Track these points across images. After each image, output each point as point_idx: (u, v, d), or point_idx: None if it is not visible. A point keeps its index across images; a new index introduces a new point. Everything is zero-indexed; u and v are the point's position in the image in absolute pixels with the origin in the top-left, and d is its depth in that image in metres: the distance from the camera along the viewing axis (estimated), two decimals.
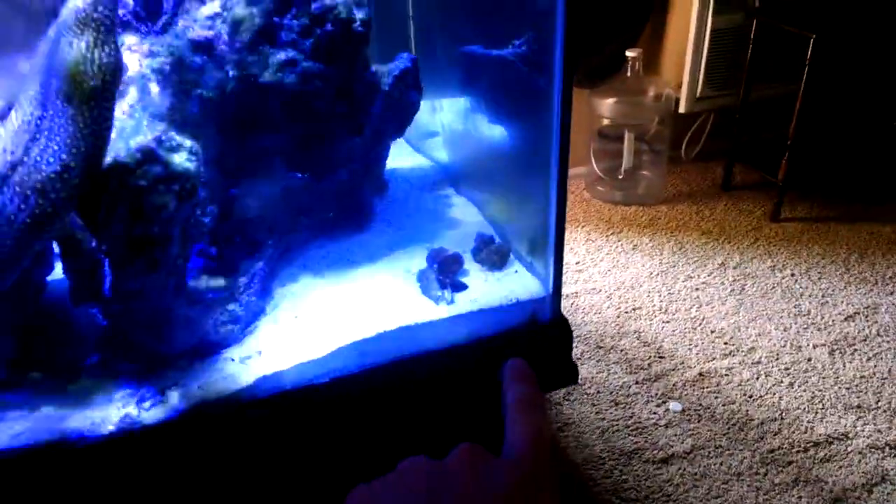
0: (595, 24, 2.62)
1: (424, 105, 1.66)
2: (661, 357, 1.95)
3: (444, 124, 1.84)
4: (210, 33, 1.19)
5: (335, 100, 1.31)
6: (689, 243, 2.51)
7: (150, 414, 1.17)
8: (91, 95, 0.95)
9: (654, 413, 1.76)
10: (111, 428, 1.14)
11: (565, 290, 2.19)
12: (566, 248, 2.39)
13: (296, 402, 1.22)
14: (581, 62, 2.66)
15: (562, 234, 1.32)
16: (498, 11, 1.61)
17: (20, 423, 1.14)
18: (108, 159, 1.01)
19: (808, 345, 2.00)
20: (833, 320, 2.09)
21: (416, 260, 1.46)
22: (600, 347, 1.99)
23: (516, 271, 1.43)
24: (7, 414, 1.16)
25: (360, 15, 1.26)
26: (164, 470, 1.18)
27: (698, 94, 2.76)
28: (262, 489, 1.26)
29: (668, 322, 2.09)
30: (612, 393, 1.83)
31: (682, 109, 2.80)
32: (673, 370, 1.91)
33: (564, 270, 2.25)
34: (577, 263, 2.40)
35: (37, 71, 0.97)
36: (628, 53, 2.63)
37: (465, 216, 1.64)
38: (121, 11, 1.17)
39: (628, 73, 2.66)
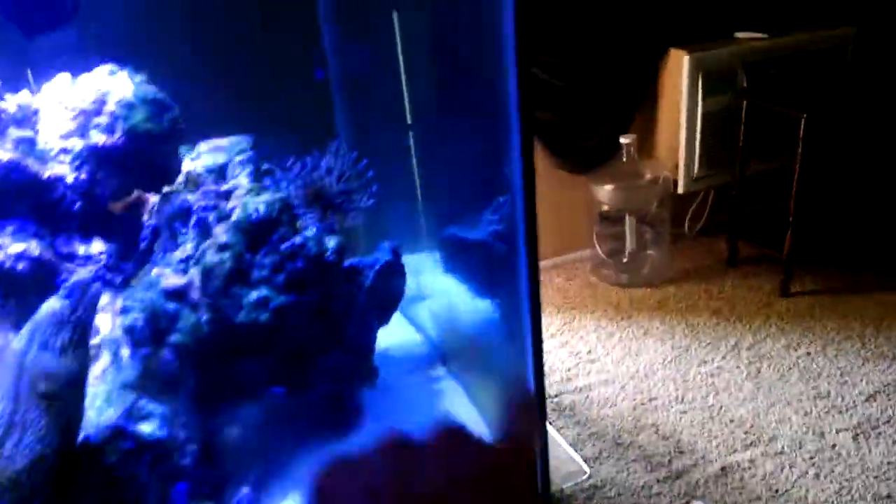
0: (586, 111, 2.66)
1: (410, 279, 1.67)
2: (680, 452, 1.87)
3: (431, 301, 1.85)
4: (183, 280, 1.21)
5: (311, 322, 1.33)
6: (700, 325, 2.44)
7: None
8: (62, 394, 0.98)
9: None
10: None
11: (578, 382, 2.13)
12: (577, 336, 2.35)
13: None
14: (575, 147, 2.69)
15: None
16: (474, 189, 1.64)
17: None
18: (80, 437, 1.02)
19: (830, 430, 1.92)
20: (854, 401, 2.02)
21: None
22: (618, 444, 1.91)
23: None
24: None
25: (331, 243, 1.29)
26: None
27: (695, 175, 2.73)
28: None
29: (685, 412, 2.01)
30: (633, 494, 1.73)
31: (680, 190, 2.78)
32: (694, 466, 1.83)
33: (577, 362, 2.21)
34: (588, 353, 2.31)
35: (7, 365, 0.99)
36: (622, 140, 2.64)
37: (453, 406, 1.62)
38: (92, 267, 1.20)
39: (623, 159, 2.66)
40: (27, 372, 0.98)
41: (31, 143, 1.24)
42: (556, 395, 2.08)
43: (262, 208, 1.25)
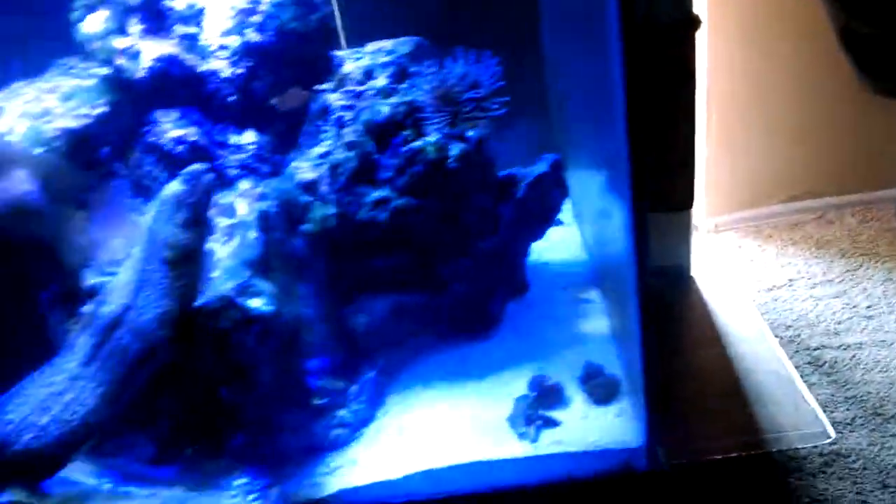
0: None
1: None
2: None
3: (586, 223, 1.76)
4: (315, 174, 1.30)
5: (439, 227, 1.35)
6: None
7: None
8: (181, 262, 1.15)
9: None
10: None
11: (847, 338, 1.85)
12: (858, 287, 2.01)
13: None
14: None
15: (654, 379, 1.20)
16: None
17: (156, 499, 1.37)
18: (198, 303, 1.18)
19: None
20: None
21: (522, 382, 1.43)
22: (878, 415, 1.62)
23: (619, 412, 1.33)
24: (151, 487, 1.39)
25: (455, 151, 1.28)
26: None
27: None
28: None
29: None
30: (881, 472, 1.49)
31: None
32: None
33: (851, 315, 1.91)
34: (868, 308, 1.96)
35: (142, 233, 1.18)
36: None
37: (595, 329, 1.56)
38: (242, 156, 1.34)
39: None
40: (154, 241, 1.16)
41: (193, 39, 1.39)
42: (816, 348, 1.81)
43: (385, 110, 1.28)
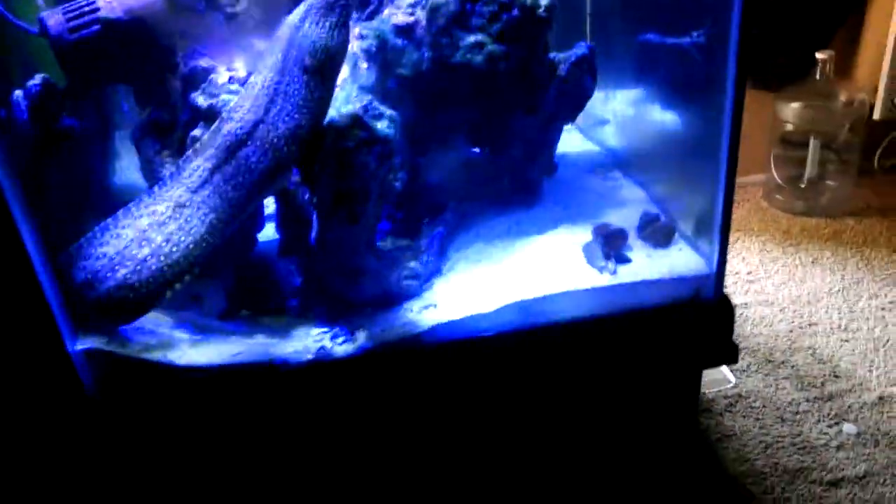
0: (784, 23, 2.54)
1: (597, 93, 1.74)
2: (836, 377, 1.86)
3: (616, 111, 1.91)
4: (411, 19, 1.35)
5: (515, 80, 1.43)
6: (876, 260, 2.35)
7: (342, 349, 1.34)
8: (324, 67, 1.14)
9: (825, 434, 1.69)
10: (309, 357, 1.33)
11: (735, 300, 2.14)
12: (738, 258, 2.34)
13: (465, 351, 1.35)
14: (766, 63, 2.58)
15: (729, 215, 1.36)
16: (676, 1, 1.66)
17: (238, 346, 1.36)
18: (325, 121, 1.19)
19: None
20: None
21: (582, 234, 1.54)
22: (769, 361, 1.93)
23: (680, 249, 1.47)
24: (229, 337, 1.38)
25: (544, 2, 1.37)
26: (348, 397, 1.36)
27: None
28: (429, 421, 1.40)
29: (847, 341, 1.98)
30: (778, 409, 1.77)
31: (876, 116, 2.62)
32: (849, 391, 1.81)
33: (735, 280, 2.22)
34: (748, 273, 2.31)
35: (279, 42, 1.17)
36: (818, 55, 2.50)
37: (631, 197, 1.70)
38: None
39: (817, 77, 2.54)
40: (296, 46, 1.15)
41: None
42: None
43: None
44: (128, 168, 1.77)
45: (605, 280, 1.40)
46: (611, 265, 1.41)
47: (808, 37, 2.59)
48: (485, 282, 1.44)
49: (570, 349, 1.39)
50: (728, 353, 1.46)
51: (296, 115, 1.16)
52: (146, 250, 1.20)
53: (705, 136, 1.47)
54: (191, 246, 1.21)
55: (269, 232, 1.56)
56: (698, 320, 1.42)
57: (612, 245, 1.47)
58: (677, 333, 1.44)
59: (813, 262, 2.36)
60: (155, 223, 1.21)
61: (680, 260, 1.45)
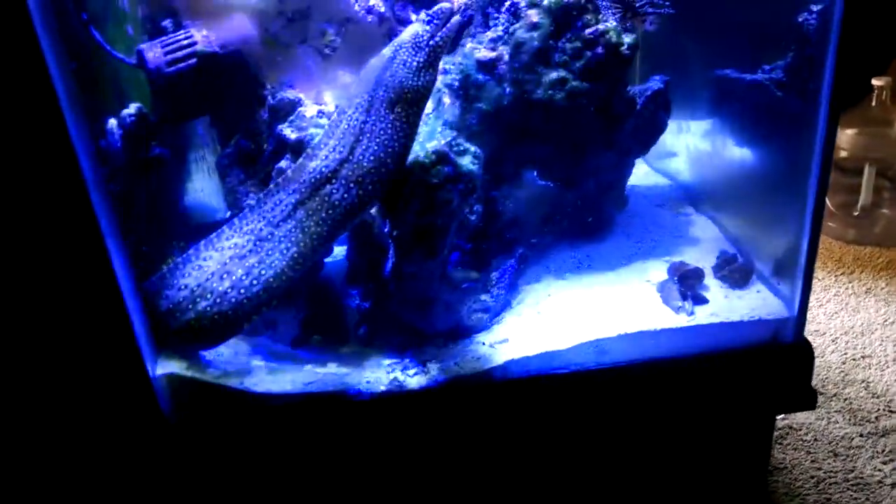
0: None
1: (670, 124, 1.73)
2: (891, 411, 1.80)
3: (689, 145, 1.89)
4: (493, 54, 1.35)
5: (595, 116, 1.43)
6: None
7: (414, 381, 1.34)
8: (410, 107, 1.15)
9: (880, 470, 1.63)
10: (382, 388, 1.33)
11: None
12: None
13: (538, 387, 1.34)
14: None
15: (813, 258, 1.33)
16: (752, 36, 1.64)
17: (311, 375, 1.37)
18: (410, 158, 1.20)
19: None
20: None
21: (655, 271, 1.53)
22: (821, 393, 1.87)
23: (758, 291, 1.44)
24: (302, 366, 1.39)
25: (627, 40, 1.37)
26: (420, 428, 1.35)
27: None
28: (499, 456, 1.39)
29: None
30: (831, 443, 1.72)
31: None
32: None
33: None
34: None
35: (366, 80, 1.18)
36: (875, 82, 2.46)
37: (705, 234, 1.68)
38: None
39: (873, 103, 2.49)
40: (384, 85, 1.16)
41: None
42: None
43: None
44: (200, 191, 1.81)
45: (681, 321, 1.38)
46: (688, 306, 1.39)
47: (865, 63, 2.54)
48: (557, 318, 1.43)
49: (644, 390, 1.37)
50: (806, 398, 1.42)
51: (381, 154, 1.17)
52: (227, 283, 1.23)
53: (787, 174, 1.45)
54: (271, 279, 1.23)
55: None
56: (776, 364, 1.39)
57: (688, 285, 1.45)
58: (754, 377, 1.40)
59: (867, 292, 2.29)
60: (236, 256, 1.23)
61: (758, 302, 1.42)
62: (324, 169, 1.19)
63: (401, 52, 1.16)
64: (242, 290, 1.23)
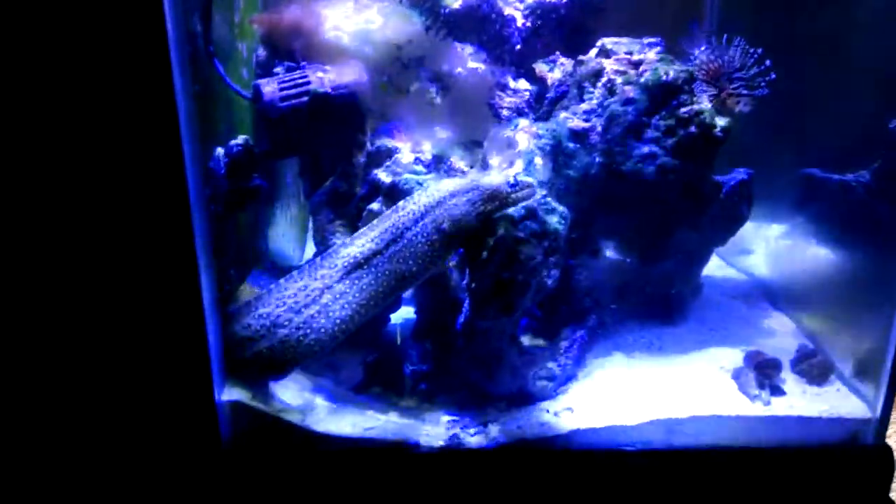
0: None
1: (749, 223, 1.72)
2: None
3: (770, 240, 1.87)
4: (586, 125, 1.39)
5: (682, 195, 1.43)
6: None
7: (474, 440, 1.32)
8: (451, 240, 1.24)
9: None
10: (441, 443, 1.31)
11: None
12: None
13: (603, 462, 1.30)
14: None
15: None
16: (841, 139, 1.64)
17: (371, 421, 1.36)
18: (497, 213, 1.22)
19: None
20: None
21: (729, 359, 1.49)
22: None
23: (838, 389, 1.39)
24: (364, 411, 1.38)
25: (721, 122, 1.39)
26: (474, 488, 1.32)
27: None
28: None
29: None
30: None
31: None
32: None
33: None
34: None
35: (431, 198, 1.26)
36: None
37: (782, 328, 1.64)
38: (517, 100, 1.42)
39: None
40: (440, 210, 1.23)
41: None
42: None
43: (671, 73, 1.38)
44: (282, 235, 1.86)
45: (756, 410, 1.33)
46: (765, 395, 1.35)
47: None
48: (625, 394, 1.40)
49: (713, 477, 1.31)
50: None
51: (410, 262, 1.24)
52: (302, 317, 1.26)
53: (873, 277, 1.42)
54: (334, 323, 1.27)
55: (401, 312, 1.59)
56: (853, 467, 1.32)
57: (765, 374, 1.40)
58: (829, 478, 1.33)
59: None
60: (307, 298, 1.27)
61: (837, 400, 1.37)
62: (356, 255, 1.27)
63: (475, 192, 1.23)
64: (311, 330, 1.27)
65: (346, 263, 1.28)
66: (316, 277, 1.29)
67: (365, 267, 1.27)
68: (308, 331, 1.27)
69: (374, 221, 1.30)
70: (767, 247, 1.88)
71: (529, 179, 1.27)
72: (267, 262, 1.67)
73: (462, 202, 1.24)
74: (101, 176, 1.08)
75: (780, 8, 1.81)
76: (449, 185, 1.28)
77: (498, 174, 1.28)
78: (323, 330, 1.27)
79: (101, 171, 1.08)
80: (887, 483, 1.33)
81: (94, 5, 0.99)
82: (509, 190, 1.24)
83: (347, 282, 1.28)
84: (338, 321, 1.28)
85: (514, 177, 1.25)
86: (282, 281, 1.31)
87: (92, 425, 1.24)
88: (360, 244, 1.28)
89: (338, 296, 1.28)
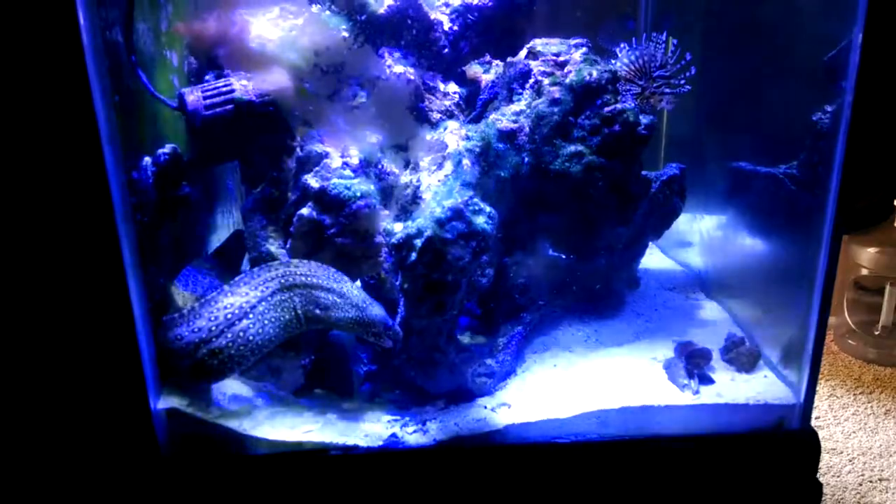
0: (865, 167, 2.54)
1: (684, 215, 1.76)
2: None
3: (703, 232, 1.92)
4: (514, 125, 1.41)
5: (609, 192, 1.47)
6: None
7: (413, 438, 1.33)
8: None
9: None
10: (380, 443, 1.33)
11: None
12: None
13: (538, 455, 1.33)
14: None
15: (820, 347, 1.33)
16: (770, 132, 1.69)
17: (310, 423, 1.37)
18: (426, 214, 1.24)
19: None
20: None
21: (662, 350, 1.53)
22: None
23: (765, 376, 1.44)
24: (302, 413, 1.39)
25: (645, 120, 1.42)
26: (415, 487, 1.33)
27: None
28: None
29: None
30: None
31: None
32: None
33: None
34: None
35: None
36: None
37: (715, 318, 1.68)
38: (448, 103, 1.44)
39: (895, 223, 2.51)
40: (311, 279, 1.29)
41: None
42: None
43: (594, 74, 1.42)
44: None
45: (686, 399, 1.37)
46: (693, 384, 1.38)
47: (889, 182, 2.57)
48: (560, 388, 1.43)
49: (645, 466, 1.35)
50: (811, 491, 1.39)
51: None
52: (229, 334, 1.27)
53: (798, 265, 1.46)
54: (262, 340, 1.30)
55: None
56: (781, 452, 1.37)
57: (695, 364, 1.44)
58: (757, 462, 1.38)
59: (886, 414, 2.21)
60: (238, 312, 1.28)
61: (765, 386, 1.41)
62: (284, 279, 1.31)
63: (362, 313, 1.31)
64: (240, 344, 1.28)
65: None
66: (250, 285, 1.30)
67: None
68: (238, 341, 1.28)
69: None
70: (702, 238, 1.93)
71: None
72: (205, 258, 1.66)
73: (347, 306, 1.31)
74: (24, 187, 1.08)
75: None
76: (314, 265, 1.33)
77: (379, 309, 1.33)
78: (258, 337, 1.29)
79: (22, 182, 1.08)
80: (814, 465, 1.38)
81: (8, 16, 0.99)
82: (382, 329, 1.31)
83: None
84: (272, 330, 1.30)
85: (394, 324, 1.32)
86: (217, 292, 1.32)
87: (27, 438, 1.24)
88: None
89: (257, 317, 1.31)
